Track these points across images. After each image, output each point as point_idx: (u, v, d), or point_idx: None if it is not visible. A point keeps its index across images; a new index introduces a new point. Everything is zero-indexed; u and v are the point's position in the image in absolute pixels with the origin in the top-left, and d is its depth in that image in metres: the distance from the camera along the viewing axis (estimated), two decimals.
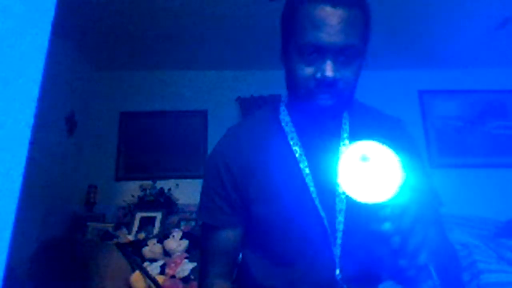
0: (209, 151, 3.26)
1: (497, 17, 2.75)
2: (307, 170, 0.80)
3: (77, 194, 3.05)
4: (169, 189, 2.99)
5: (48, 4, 0.66)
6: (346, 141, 0.82)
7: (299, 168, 0.80)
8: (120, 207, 3.02)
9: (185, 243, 2.22)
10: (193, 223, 2.95)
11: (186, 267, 1.91)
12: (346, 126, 0.84)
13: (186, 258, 2.08)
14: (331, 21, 0.69)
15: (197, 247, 2.25)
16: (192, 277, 1.90)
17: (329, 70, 0.70)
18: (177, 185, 3.06)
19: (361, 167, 0.60)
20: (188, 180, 3.18)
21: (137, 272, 1.85)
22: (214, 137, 3.31)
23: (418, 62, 3.26)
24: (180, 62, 3.35)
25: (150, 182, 2.99)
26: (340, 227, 0.79)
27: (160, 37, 2.95)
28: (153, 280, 1.81)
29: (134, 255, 2.01)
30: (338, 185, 0.79)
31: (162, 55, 3.23)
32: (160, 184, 2.99)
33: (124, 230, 2.65)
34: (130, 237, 2.50)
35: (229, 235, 0.85)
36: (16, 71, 0.58)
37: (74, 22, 2.60)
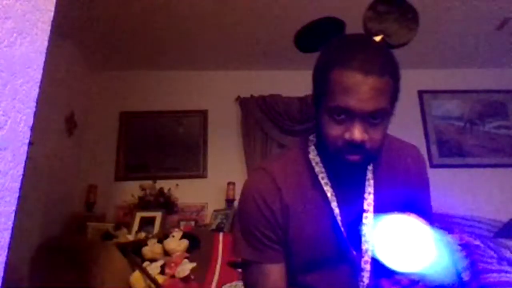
0: (209, 151, 3.29)
1: (497, 17, 2.75)
2: (337, 210, 0.83)
3: (77, 194, 3.05)
4: (169, 189, 2.99)
5: (48, 4, 0.66)
6: (370, 189, 0.85)
7: (330, 208, 0.83)
8: (120, 207, 3.02)
9: (185, 243, 2.21)
10: (193, 223, 2.96)
11: (186, 267, 1.91)
12: (369, 173, 0.87)
13: (186, 258, 2.07)
14: (361, 89, 0.71)
15: (197, 247, 2.25)
16: (192, 277, 1.90)
17: (357, 133, 0.72)
18: (177, 185, 3.06)
19: (397, 237, 0.68)
20: (188, 180, 3.18)
21: (137, 272, 1.85)
22: (214, 137, 3.31)
23: (418, 62, 3.26)
24: (180, 62, 3.34)
25: (150, 182, 2.99)
26: (367, 266, 0.82)
27: (159, 37, 2.95)
28: (153, 280, 1.81)
29: (134, 255, 2.01)
30: (364, 226, 0.82)
31: (162, 55, 3.23)
32: (160, 184, 2.99)
33: (124, 230, 2.65)
34: (130, 237, 2.50)
35: (277, 269, 0.86)
36: (16, 71, 0.58)
37: (74, 22, 2.60)
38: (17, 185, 0.58)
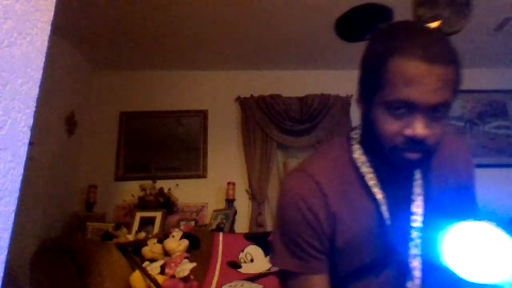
0: (209, 151, 3.29)
1: (497, 17, 2.75)
2: (387, 214, 0.76)
3: (77, 194, 3.05)
4: (169, 189, 2.99)
5: (48, 4, 0.66)
6: (418, 190, 0.79)
7: (379, 211, 0.76)
8: (120, 207, 3.02)
9: (185, 243, 2.21)
10: (193, 223, 2.96)
11: (186, 267, 1.91)
12: (418, 173, 0.80)
13: (186, 258, 2.07)
14: (426, 79, 0.64)
15: (197, 247, 2.25)
16: (192, 277, 1.90)
17: (420, 128, 0.65)
18: (177, 185, 3.06)
19: (474, 246, 0.62)
20: (188, 180, 3.18)
21: (137, 272, 1.85)
22: (214, 137, 3.32)
23: None
24: (180, 62, 3.35)
25: (150, 182, 2.99)
26: (417, 273, 0.76)
27: (160, 37, 2.95)
28: (153, 280, 1.81)
29: (134, 255, 2.01)
30: (412, 230, 0.76)
31: (162, 55, 3.23)
32: (160, 184, 2.99)
33: (124, 230, 2.65)
34: (130, 237, 2.50)
35: (322, 280, 0.79)
36: (16, 71, 0.58)
37: (74, 22, 2.60)
38: (17, 185, 0.58)
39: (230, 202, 3.03)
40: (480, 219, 0.65)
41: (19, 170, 0.58)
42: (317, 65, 3.42)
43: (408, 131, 0.66)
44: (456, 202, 0.81)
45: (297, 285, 0.80)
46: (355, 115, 3.35)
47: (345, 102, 3.39)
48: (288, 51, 3.19)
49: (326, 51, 3.20)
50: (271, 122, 3.31)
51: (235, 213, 2.95)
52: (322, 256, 0.79)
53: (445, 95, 0.65)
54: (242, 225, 3.04)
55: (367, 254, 0.78)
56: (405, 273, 0.77)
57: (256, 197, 3.12)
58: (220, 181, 3.16)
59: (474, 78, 3.47)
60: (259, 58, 3.30)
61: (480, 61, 3.37)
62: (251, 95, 3.37)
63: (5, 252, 0.55)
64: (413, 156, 0.68)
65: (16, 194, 0.57)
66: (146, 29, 2.83)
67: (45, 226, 2.54)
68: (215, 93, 3.44)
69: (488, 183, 3.14)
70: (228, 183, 3.07)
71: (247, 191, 3.19)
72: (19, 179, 0.58)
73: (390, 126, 0.68)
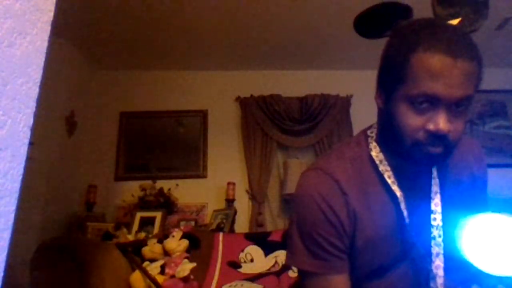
0: (209, 151, 3.29)
1: (497, 17, 2.75)
2: (406, 212, 0.76)
3: (77, 194, 3.05)
4: (169, 189, 2.99)
5: (48, 4, 0.66)
6: (436, 188, 0.78)
7: (399, 209, 0.76)
8: (120, 207, 3.02)
9: (185, 243, 2.21)
10: (193, 223, 2.96)
11: (186, 267, 1.91)
12: (435, 171, 0.80)
13: (186, 258, 2.07)
14: (451, 73, 0.64)
15: (197, 247, 2.25)
16: (192, 277, 1.90)
17: (443, 123, 0.65)
18: (177, 185, 3.06)
19: (491, 238, 0.62)
20: (188, 180, 3.18)
21: (137, 272, 1.85)
22: (214, 137, 3.32)
23: None
24: (180, 62, 3.35)
25: (150, 182, 2.99)
26: (440, 272, 0.75)
27: (160, 37, 2.95)
28: (153, 280, 1.81)
29: (134, 255, 2.01)
30: (433, 228, 0.76)
31: (163, 55, 3.23)
32: (160, 184, 2.99)
33: (124, 230, 2.65)
34: (130, 237, 2.50)
35: (343, 280, 0.78)
36: (16, 71, 0.58)
37: (74, 22, 2.60)
38: (17, 185, 0.58)
39: (230, 202, 3.03)
40: (497, 212, 0.65)
41: (19, 170, 0.58)
42: (317, 65, 3.42)
43: (431, 126, 0.66)
44: (471, 198, 0.81)
45: (318, 285, 0.78)
46: (355, 115, 3.35)
47: (345, 102, 3.39)
48: (288, 51, 3.19)
49: (326, 51, 3.20)
50: (271, 122, 3.31)
51: (235, 213, 2.95)
52: (344, 255, 0.78)
53: (468, 89, 0.66)
54: (242, 225, 3.04)
55: (386, 252, 0.77)
56: (424, 272, 0.77)
57: (256, 197, 3.12)
58: (220, 181, 3.16)
59: None
60: (259, 58, 3.30)
61: None
62: (251, 95, 3.37)
63: (5, 252, 0.55)
64: (436, 150, 0.68)
65: (16, 194, 0.57)
66: (146, 29, 2.83)
67: (45, 226, 2.54)
68: (215, 93, 3.44)
69: (488, 183, 3.15)
70: (228, 183, 3.07)
71: (247, 191, 3.19)
72: (19, 179, 0.58)
73: (412, 121, 0.68)
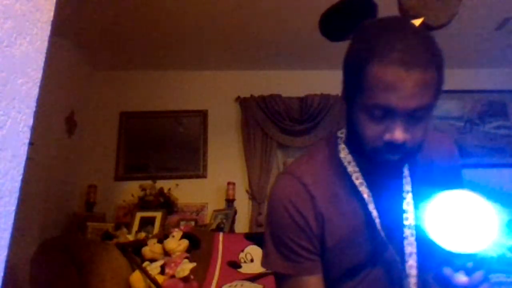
0: (209, 151, 3.29)
1: (497, 17, 2.75)
2: (375, 213, 0.76)
3: (77, 194, 3.05)
4: (169, 189, 2.99)
5: (48, 4, 0.66)
6: (408, 187, 0.78)
7: (368, 211, 0.76)
8: (120, 207, 3.02)
9: (185, 243, 2.21)
10: (193, 223, 2.96)
11: (186, 267, 1.91)
12: (406, 170, 0.80)
13: (186, 258, 2.07)
14: (404, 85, 0.63)
15: (197, 247, 2.25)
16: (192, 277, 1.90)
17: (398, 133, 0.65)
18: (177, 185, 3.06)
19: (455, 216, 0.61)
20: (188, 180, 3.18)
21: (137, 272, 1.85)
22: (214, 137, 3.32)
23: None
24: (180, 62, 3.35)
25: (150, 182, 2.99)
26: (413, 271, 0.75)
27: (160, 37, 2.95)
28: (153, 280, 1.81)
29: (134, 255, 2.01)
30: (405, 228, 0.75)
31: (162, 55, 3.23)
32: (160, 184, 2.99)
33: (124, 230, 2.65)
34: (130, 237, 2.50)
35: (316, 281, 0.79)
36: (16, 71, 0.58)
37: (74, 22, 2.60)
38: (17, 185, 0.58)
39: (230, 202, 3.03)
40: (461, 188, 0.64)
41: (19, 170, 0.58)
42: (317, 65, 3.42)
43: (387, 136, 0.66)
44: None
45: (292, 286, 0.79)
46: None
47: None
48: (288, 51, 3.19)
49: (326, 51, 3.19)
50: (271, 122, 3.31)
51: (235, 213, 2.95)
52: (314, 257, 0.79)
53: (424, 99, 0.65)
54: (242, 225, 3.04)
55: (358, 253, 0.78)
56: (397, 272, 0.77)
57: (256, 197, 3.12)
58: (220, 181, 3.16)
59: (474, 78, 3.47)
60: (259, 58, 3.30)
61: (480, 61, 3.37)
62: (251, 95, 3.37)
63: (5, 252, 0.55)
64: (393, 157, 0.69)
65: (16, 194, 0.57)
66: (146, 29, 2.83)
67: (45, 226, 2.54)
68: (215, 93, 3.44)
69: (488, 183, 3.15)
70: (228, 183, 3.07)
71: (247, 191, 3.19)
72: (19, 179, 0.58)
73: (370, 129, 0.68)
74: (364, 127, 0.69)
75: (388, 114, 0.66)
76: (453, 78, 3.46)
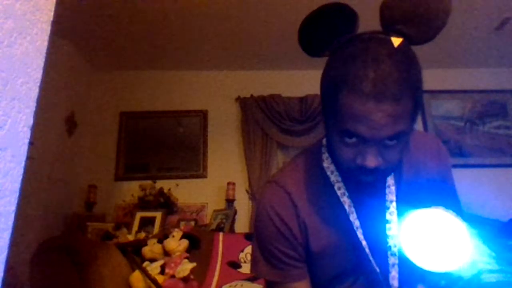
0: (209, 151, 3.29)
1: (497, 17, 2.75)
2: (357, 223, 0.76)
3: (77, 194, 3.05)
4: (169, 189, 2.99)
5: (48, 4, 0.66)
6: (391, 196, 0.77)
7: (349, 221, 0.76)
8: (120, 207, 3.02)
9: (185, 243, 2.21)
10: (193, 223, 2.95)
11: (186, 267, 1.91)
12: (390, 179, 0.79)
13: (186, 258, 2.07)
14: (374, 117, 0.62)
15: (197, 247, 2.25)
16: (192, 277, 1.90)
17: (369, 159, 0.65)
18: (177, 185, 3.06)
19: (430, 235, 0.62)
20: (188, 180, 3.18)
21: (137, 272, 1.85)
22: (214, 137, 3.32)
23: None
24: (180, 62, 3.35)
25: (150, 182, 2.99)
26: (395, 282, 0.75)
27: (159, 37, 2.95)
28: (153, 280, 1.81)
29: (134, 255, 2.01)
30: (389, 238, 0.75)
31: (163, 55, 3.23)
32: (160, 184, 2.99)
33: (124, 230, 2.65)
34: (130, 237, 2.50)
35: (302, 287, 0.81)
36: (16, 71, 0.58)
37: (74, 22, 2.60)
38: (17, 185, 0.58)
39: (230, 202, 3.03)
40: (436, 206, 0.65)
41: (19, 170, 0.58)
42: (317, 65, 3.39)
43: (359, 161, 0.66)
44: (432, 197, 0.79)
45: None
46: None
47: None
48: (288, 51, 3.19)
49: None
50: (271, 122, 3.31)
51: (235, 213, 2.95)
52: (300, 263, 0.80)
53: (397, 127, 0.63)
54: (242, 225, 3.04)
55: (341, 261, 0.79)
56: (379, 283, 0.77)
57: (256, 197, 3.12)
58: (220, 181, 3.15)
59: (474, 78, 3.47)
60: (259, 58, 3.30)
61: (480, 61, 3.37)
62: (251, 95, 3.37)
63: (5, 252, 0.55)
64: (367, 179, 0.69)
65: (16, 194, 0.57)
66: (146, 29, 2.83)
67: (45, 226, 2.54)
68: (215, 93, 3.44)
69: (488, 183, 3.15)
70: (228, 183, 3.07)
71: (247, 191, 3.19)
72: (19, 179, 0.58)
73: (344, 153, 0.68)
74: (338, 150, 0.69)
75: (360, 140, 0.65)
76: (453, 78, 3.50)
